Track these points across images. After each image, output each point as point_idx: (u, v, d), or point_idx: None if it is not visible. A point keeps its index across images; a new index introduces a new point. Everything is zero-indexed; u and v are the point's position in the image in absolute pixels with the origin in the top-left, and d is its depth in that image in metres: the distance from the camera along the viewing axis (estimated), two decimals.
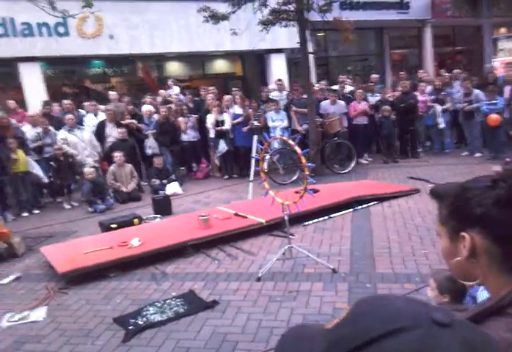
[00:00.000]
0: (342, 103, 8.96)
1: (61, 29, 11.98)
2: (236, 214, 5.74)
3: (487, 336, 0.62)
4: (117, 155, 7.60)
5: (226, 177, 8.84)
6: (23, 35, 11.67)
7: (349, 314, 0.60)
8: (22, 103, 11.87)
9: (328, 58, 15.89)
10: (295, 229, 5.47)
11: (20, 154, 7.25)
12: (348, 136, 8.93)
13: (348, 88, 10.13)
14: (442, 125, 9.08)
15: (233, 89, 10.37)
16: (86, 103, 9.44)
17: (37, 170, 7.37)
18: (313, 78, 13.91)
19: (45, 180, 7.43)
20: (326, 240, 5.11)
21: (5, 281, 4.67)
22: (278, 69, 14.61)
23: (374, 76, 11.10)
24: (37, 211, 7.39)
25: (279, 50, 14.07)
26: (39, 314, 3.98)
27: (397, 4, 14.70)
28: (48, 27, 11.81)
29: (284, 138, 5.09)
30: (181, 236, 5.16)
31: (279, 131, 8.52)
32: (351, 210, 6.04)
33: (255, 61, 15.62)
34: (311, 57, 12.25)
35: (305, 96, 8.74)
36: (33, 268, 5.01)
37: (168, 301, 4.03)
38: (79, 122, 8.37)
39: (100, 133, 8.30)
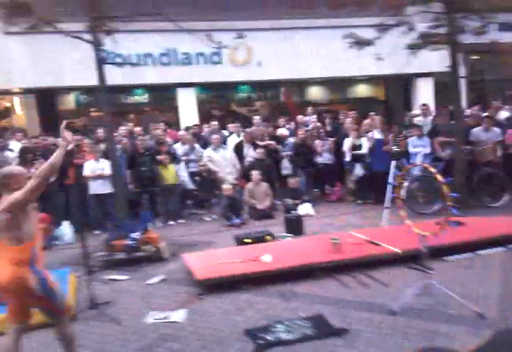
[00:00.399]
0: (497, 129, 8.25)
1: (215, 58, 13.17)
2: (369, 241, 5.58)
3: None
4: (254, 174, 7.98)
5: (360, 201, 8.68)
6: (183, 64, 13.08)
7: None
8: (176, 123, 13.23)
9: (482, 82, 14.83)
10: (434, 263, 5.08)
11: (171, 168, 8.02)
12: (501, 166, 8.16)
13: (504, 114, 9.29)
14: None
15: (371, 113, 10.23)
16: (230, 125, 10.11)
17: (185, 177, 8.13)
18: (464, 102, 13.09)
19: (191, 186, 8.13)
20: (470, 279, 4.68)
21: (152, 281, 5.15)
22: (424, 93, 14.12)
23: None
24: (181, 221, 8.07)
25: (427, 74, 13.59)
26: (180, 315, 4.30)
27: None
28: (205, 56, 13.08)
29: (426, 165, 4.85)
30: (312, 257, 5.17)
31: (420, 157, 8.14)
32: (503, 248, 5.46)
33: (400, 85, 15.26)
34: (462, 81, 11.58)
35: (453, 122, 8.25)
36: (175, 273, 5.44)
37: (296, 321, 4.04)
38: (223, 142, 8.99)
39: (237, 152, 8.80)
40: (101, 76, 7.20)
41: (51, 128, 11.71)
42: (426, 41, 8.07)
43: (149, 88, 14.01)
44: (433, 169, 4.73)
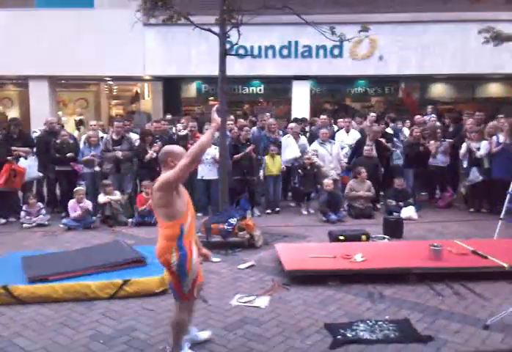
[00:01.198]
0: None
1: (336, 51, 13.09)
2: (474, 252, 5.16)
3: None
4: (362, 171, 7.80)
5: (472, 209, 8.03)
6: (303, 56, 13.18)
7: None
8: (289, 114, 13.43)
9: None
10: None
11: (277, 159, 8.17)
12: None
13: None
14: None
15: (499, 115, 9.33)
16: (340, 120, 9.97)
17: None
18: None
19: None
20: None
21: (242, 266, 5.35)
22: None
23: None
24: (279, 211, 8.21)
25: None
26: (263, 302, 4.42)
27: None
28: (325, 49, 13.05)
29: None
30: (406, 261, 4.95)
31: None
32: None
33: None
34: None
35: None
36: (266, 261, 5.58)
37: (380, 323, 3.93)
38: (331, 137, 8.88)
39: (357, 148, 8.57)
40: (223, 67, 7.54)
41: (173, 113, 12.69)
42: None
43: (265, 79, 14.37)
44: None
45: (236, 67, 12.78)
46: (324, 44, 12.62)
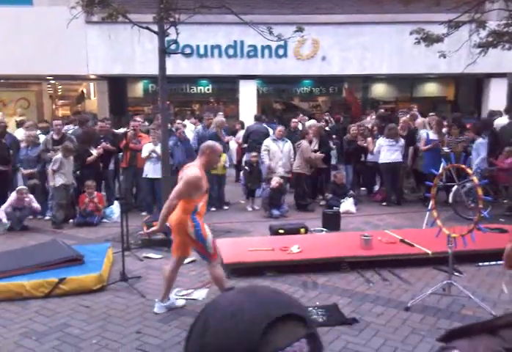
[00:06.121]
0: None
1: (280, 51, 13.30)
2: (402, 240, 5.49)
3: None
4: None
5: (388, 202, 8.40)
6: (249, 56, 13.34)
7: None
8: (236, 114, 13.57)
9: None
10: (467, 268, 4.97)
11: (222, 157, 8.27)
12: None
13: None
14: None
15: (430, 113, 9.87)
16: (294, 120, 10.15)
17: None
18: None
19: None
20: (498, 286, 4.49)
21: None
22: (497, 94, 13.34)
23: None
24: (226, 207, 8.33)
25: (501, 75, 12.86)
26: (201, 294, 4.54)
27: None
28: (270, 49, 13.24)
29: (463, 166, 4.69)
30: (339, 251, 5.20)
31: (479, 161, 7.78)
32: None
33: (472, 85, 14.56)
34: None
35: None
36: None
37: (310, 309, 4.12)
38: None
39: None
40: (162, 66, 7.56)
41: (119, 113, 12.53)
42: (498, 40, 7.67)
43: (213, 79, 14.44)
44: (469, 171, 4.59)
45: (183, 67, 12.81)
46: (269, 44, 12.81)
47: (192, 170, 3.80)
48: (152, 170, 7.84)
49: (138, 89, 15.12)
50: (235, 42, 13.30)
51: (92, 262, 4.88)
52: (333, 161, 9.08)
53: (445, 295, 4.21)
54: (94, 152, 7.76)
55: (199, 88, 14.99)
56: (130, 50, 12.74)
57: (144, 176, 7.87)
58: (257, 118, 10.05)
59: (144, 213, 7.65)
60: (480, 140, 7.94)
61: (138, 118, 9.74)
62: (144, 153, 7.79)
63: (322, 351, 0.65)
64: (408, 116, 9.19)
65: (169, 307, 4.15)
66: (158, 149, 7.71)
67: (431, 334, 3.58)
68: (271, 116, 13.48)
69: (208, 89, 15.03)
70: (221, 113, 10.46)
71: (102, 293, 4.52)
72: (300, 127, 10.08)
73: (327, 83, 15.01)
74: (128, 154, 8.03)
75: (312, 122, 9.63)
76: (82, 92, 16.14)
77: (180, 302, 4.28)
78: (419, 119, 9.18)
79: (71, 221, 7.32)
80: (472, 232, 4.13)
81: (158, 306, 4.12)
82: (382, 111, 11.12)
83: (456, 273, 4.69)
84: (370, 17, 12.71)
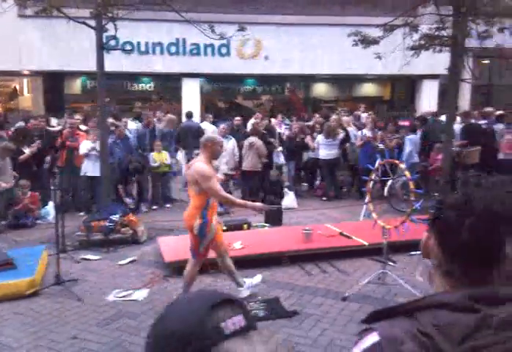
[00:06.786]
0: None
1: (223, 50, 13.27)
2: (341, 233, 5.66)
3: None
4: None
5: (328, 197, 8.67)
6: (191, 54, 13.20)
7: None
8: (180, 112, 13.39)
9: (490, 86, 14.69)
10: (401, 257, 5.19)
11: (162, 155, 8.15)
12: (492, 171, 8.11)
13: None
14: None
15: (369, 112, 10.26)
16: (236, 118, 10.15)
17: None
18: (466, 105, 13.00)
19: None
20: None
21: (122, 262, 5.30)
22: (429, 95, 14.03)
23: None
24: (168, 205, 8.21)
25: (433, 76, 13.51)
26: (141, 294, 4.45)
27: None
28: (213, 48, 13.17)
29: (396, 161, 4.90)
30: (281, 246, 5.27)
31: (405, 155, 8.18)
32: None
33: (406, 86, 15.22)
34: (467, 84, 11.48)
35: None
36: (148, 255, 5.58)
37: (251, 304, 4.16)
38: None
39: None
40: (100, 62, 7.34)
41: (55, 111, 12.01)
42: (429, 43, 8.03)
43: (155, 76, 14.18)
44: (402, 165, 4.80)
45: (123, 63, 12.48)
46: (212, 43, 12.77)
47: (200, 165, 3.88)
48: (91, 168, 7.59)
49: (76, 86, 14.57)
50: (178, 39, 13.15)
51: (25, 265, 4.66)
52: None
53: (380, 284, 4.39)
54: (27, 150, 7.40)
55: (140, 85, 14.66)
56: (68, 46, 12.25)
57: (82, 174, 7.59)
58: (188, 115, 10.04)
59: (82, 213, 7.38)
60: (409, 136, 8.37)
61: (76, 115, 9.41)
62: (83, 150, 7.52)
63: (255, 325, 0.79)
64: (343, 115, 9.50)
65: (251, 286, 4.30)
66: (97, 146, 7.49)
67: None
68: (227, 115, 13.46)
69: (150, 87, 14.73)
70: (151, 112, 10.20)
71: (36, 298, 4.32)
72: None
73: (270, 82, 15.14)
74: (65, 152, 7.73)
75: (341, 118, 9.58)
76: (15, 88, 15.34)
77: (258, 278, 4.41)
78: (345, 118, 9.50)
79: (3, 222, 6.93)
80: (405, 224, 4.32)
81: (242, 291, 4.22)
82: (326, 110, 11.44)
83: (390, 263, 4.89)
84: (311, 19, 12.97)
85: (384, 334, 0.83)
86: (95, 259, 5.39)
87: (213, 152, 4.04)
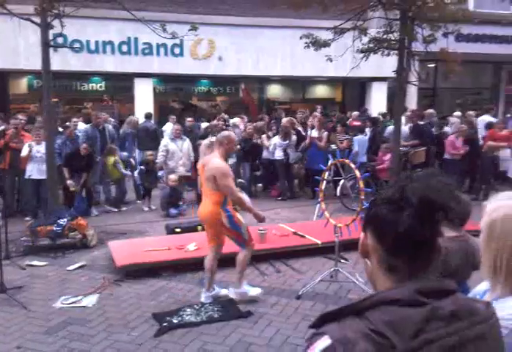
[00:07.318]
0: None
1: (176, 50, 13.08)
2: (294, 232, 5.71)
3: None
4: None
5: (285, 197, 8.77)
6: (144, 54, 12.94)
7: None
8: (132, 113, 13.10)
9: (436, 89, 15.29)
10: (353, 254, 5.28)
11: (110, 159, 7.93)
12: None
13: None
14: None
15: (314, 112, 10.44)
16: (188, 119, 10.03)
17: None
18: (413, 108, 13.46)
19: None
20: None
21: (71, 267, 5.10)
22: (378, 97, 14.43)
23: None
24: (123, 209, 8.00)
25: (382, 79, 13.90)
26: (91, 300, 4.30)
27: None
28: (166, 48, 12.96)
29: (347, 161, 5.00)
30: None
31: (351, 155, 8.39)
32: None
33: (356, 88, 15.58)
34: (413, 87, 11.89)
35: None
36: (99, 259, 5.41)
37: (206, 305, 4.12)
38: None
39: None
40: (46, 60, 7.06)
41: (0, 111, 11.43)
42: (378, 46, 8.25)
43: (107, 76, 13.80)
44: (352, 165, 4.90)
45: (72, 62, 12.07)
46: (164, 42, 12.57)
47: (219, 162, 3.96)
48: (36, 171, 7.27)
49: (22, 85, 13.93)
50: (129, 38, 12.84)
51: None
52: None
53: (333, 282, 4.46)
54: None
55: (91, 85, 14.21)
56: (13, 43, 11.71)
57: (27, 177, 7.26)
58: (146, 116, 9.97)
59: (28, 218, 7.05)
60: (357, 137, 8.61)
61: (20, 116, 9.00)
62: (24, 152, 7.21)
63: None
64: (287, 118, 9.63)
65: (215, 296, 4.22)
66: (42, 148, 7.19)
67: None
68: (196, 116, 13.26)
69: (101, 87, 14.30)
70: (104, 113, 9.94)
71: None
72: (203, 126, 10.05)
73: (224, 83, 15.09)
74: (8, 154, 7.38)
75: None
76: None
77: (224, 291, 4.30)
78: (283, 120, 9.63)
79: None
80: (356, 222, 4.40)
81: (204, 296, 4.18)
82: (281, 111, 11.55)
83: (342, 261, 4.99)
84: (264, 21, 13.04)
85: (335, 337, 0.82)
86: (42, 266, 5.17)
87: (229, 150, 4.14)
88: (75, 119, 8.94)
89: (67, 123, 8.62)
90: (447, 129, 9.55)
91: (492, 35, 13.61)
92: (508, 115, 11.94)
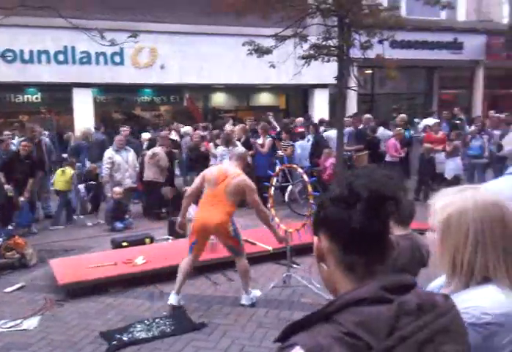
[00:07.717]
0: None
1: (117, 59, 12.73)
2: (246, 240, 5.63)
3: None
4: None
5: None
6: (81, 63, 12.50)
7: None
8: (71, 126, 12.62)
9: (373, 95, 15.84)
10: (304, 259, 5.30)
11: (67, 173, 7.55)
12: None
13: None
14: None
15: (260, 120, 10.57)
16: (124, 128, 9.73)
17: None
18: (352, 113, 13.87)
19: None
20: None
21: (9, 289, 4.77)
22: (320, 103, 14.75)
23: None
24: (63, 226, 7.59)
25: (323, 85, 14.21)
26: (32, 323, 4.03)
27: (451, 44, 14.57)
28: (105, 56, 12.58)
29: (294, 166, 5.03)
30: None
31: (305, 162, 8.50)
32: None
33: (299, 95, 15.85)
34: (353, 93, 12.26)
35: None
36: (39, 279, 5.09)
37: (157, 320, 3.97)
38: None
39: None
40: None
41: None
42: (318, 53, 8.42)
43: (43, 87, 13.21)
44: (300, 169, 4.93)
45: (3, 72, 11.50)
46: (104, 51, 12.23)
47: (246, 178, 4.25)
48: None
49: None
50: (66, 47, 12.38)
51: None
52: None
53: (286, 287, 4.44)
54: None
55: (26, 97, 13.54)
56: None
57: None
58: (96, 128, 9.69)
59: None
60: (299, 142, 8.76)
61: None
62: None
63: None
64: (240, 125, 9.69)
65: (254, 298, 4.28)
66: None
67: (274, 326, 3.73)
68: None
69: (37, 98, 13.66)
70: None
71: None
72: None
73: (168, 92, 14.86)
74: None
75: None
76: None
77: (257, 293, 4.40)
78: (236, 127, 9.69)
79: None
80: (306, 226, 4.42)
81: (245, 298, 4.25)
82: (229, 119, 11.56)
83: (294, 265, 4.98)
84: (206, 29, 12.98)
85: (308, 346, 0.78)
86: None
87: (245, 164, 4.51)
88: (7, 132, 8.48)
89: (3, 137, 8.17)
90: (379, 133, 9.85)
91: (424, 41, 14.31)
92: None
